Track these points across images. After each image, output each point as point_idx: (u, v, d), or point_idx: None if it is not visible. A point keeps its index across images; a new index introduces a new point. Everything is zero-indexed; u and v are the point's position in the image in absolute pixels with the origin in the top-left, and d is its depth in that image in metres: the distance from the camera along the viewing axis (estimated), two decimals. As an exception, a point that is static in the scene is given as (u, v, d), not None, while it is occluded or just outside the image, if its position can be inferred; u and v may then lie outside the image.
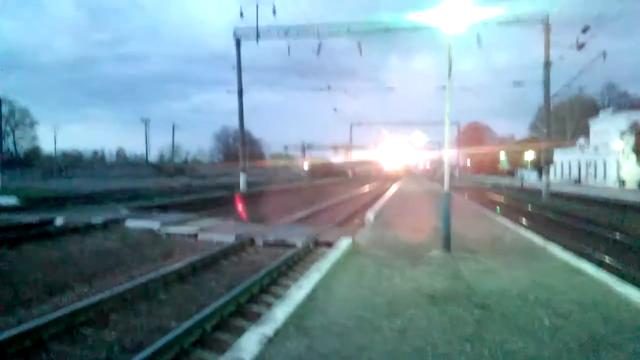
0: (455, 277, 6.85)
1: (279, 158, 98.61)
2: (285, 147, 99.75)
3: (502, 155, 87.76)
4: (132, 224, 13.66)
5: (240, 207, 21.54)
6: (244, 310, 6.53)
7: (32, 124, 77.38)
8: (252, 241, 11.75)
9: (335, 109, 44.56)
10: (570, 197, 32.17)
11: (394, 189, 35.60)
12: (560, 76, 30.05)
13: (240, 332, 5.27)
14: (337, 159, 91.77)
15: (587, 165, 57.37)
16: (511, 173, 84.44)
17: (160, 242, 12.04)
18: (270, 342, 4.23)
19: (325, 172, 79.16)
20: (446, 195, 9.23)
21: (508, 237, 10.99)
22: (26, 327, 5.25)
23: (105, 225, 13.15)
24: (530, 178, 62.92)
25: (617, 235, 14.26)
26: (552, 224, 18.09)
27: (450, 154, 9.80)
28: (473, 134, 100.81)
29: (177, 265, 8.57)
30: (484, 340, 4.36)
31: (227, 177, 55.28)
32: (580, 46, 25.81)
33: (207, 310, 5.82)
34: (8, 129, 73.16)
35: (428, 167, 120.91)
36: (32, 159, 76.27)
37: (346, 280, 6.67)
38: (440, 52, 9.04)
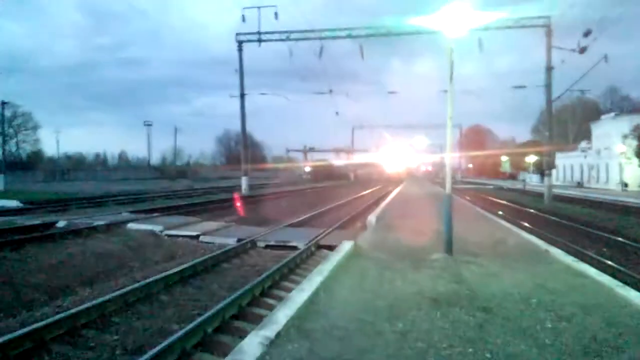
0: (457, 280, 6.83)
1: (281, 161, 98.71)
2: (287, 150, 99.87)
3: (504, 159, 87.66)
4: (134, 226, 13.68)
5: (241, 209, 21.56)
6: (245, 312, 6.52)
7: (35, 128, 77.57)
8: (253, 244, 11.76)
9: (337, 113, 44.52)
10: (572, 200, 32.10)
11: (395, 191, 35.58)
12: (562, 80, 30.03)
13: (241, 334, 5.28)
14: (339, 162, 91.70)
15: (590, 168, 57.33)
16: (513, 176, 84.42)
17: (162, 244, 12.06)
18: (271, 344, 4.22)
19: (327, 175, 79.13)
20: (448, 197, 9.22)
21: (510, 240, 10.96)
22: (28, 329, 5.25)
23: (107, 228, 13.17)
24: (532, 181, 62.85)
25: (620, 238, 14.22)
26: (555, 227, 18.05)
27: (452, 157, 9.79)
28: (475, 137, 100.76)
29: (178, 267, 8.58)
30: (486, 344, 4.35)
31: (229, 180, 55.34)
32: (582, 50, 25.78)
33: (208, 313, 5.82)
34: (11, 132, 73.31)
35: (430, 169, 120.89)
36: (34, 162, 76.53)
37: (348, 283, 6.67)
38: (442, 56, 9.06)
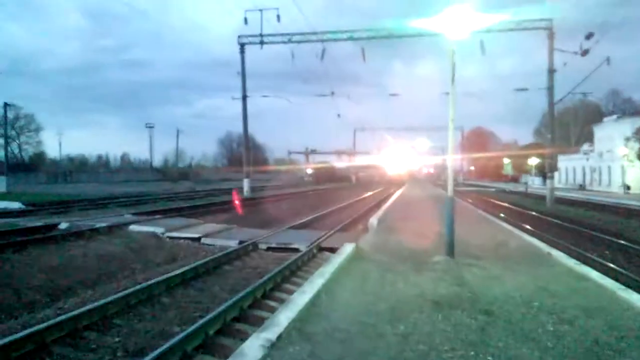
0: (459, 282, 6.82)
1: (283, 163, 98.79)
2: (289, 153, 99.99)
3: (506, 161, 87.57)
4: (136, 228, 13.70)
5: (242, 211, 21.59)
6: (247, 315, 6.52)
7: (37, 129, 77.81)
8: (255, 246, 11.76)
9: (339, 115, 44.60)
10: (574, 203, 32.04)
11: (397, 194, 35.56)
12: (565, 82, 30.03)
13: (243, 337, 5.28)
14: (341, 164, 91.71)
15: (592, 171, 57.22)
16: (515, 179, 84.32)
17: (164, 246, 12.07)
18: (272, 347, 4.22)
19: (328, 177, 79.14)
20: (450, 200, 9.21)
21: (512, 242, 10.94)
22: (30, 331, 5.26)
23: (109, 230, 13.19)
24: (534, 183, 62.75)
25: (622, 241, 14.18)
26: (557, 229, 18.02)
27: (453, 160, 9.78)
28: (477, 140, 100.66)
29: (180, 269, 8.58)
30: (488, 346, 4.34)
31: (231, 182, 55.38)
32: (584, 52, 25.78)
33: (210, 315, 5.82)
34: (13, 134, 73.55)
35: (432, 172, 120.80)
36: (37, 164, 76.74)
37: (349, 285, 6.66)
38: (443, 58, 9.04)
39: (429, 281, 6.92)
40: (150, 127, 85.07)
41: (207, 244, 12.49)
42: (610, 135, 50.97)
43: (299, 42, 31.03)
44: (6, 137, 59.26)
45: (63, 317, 5.77)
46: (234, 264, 10.04)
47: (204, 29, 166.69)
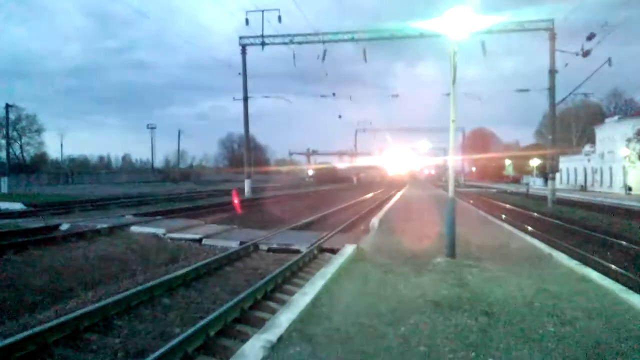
0: (460, 284, 6.82)
1: (284, 164, 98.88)
2: (290, 153, 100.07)
3: (507, 162, 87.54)
4: (137, 229, 13.71)
5: (244, 212, 21.59)
6: (248, 316, 6.52)
7: (39, 130, 77.86)
8: (256, 247, 11.76)
9: (340, 116, 44.77)
10: (576, 204, 32.00)
11: (398, 195, 35.55)
12: (566, 83, 30.01)
13: (244, 338, 5.28)
14: (342, 165, 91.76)
15: (593, 172, 57.16)
16: (516, 179, 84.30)
17: (165, 247, 12.07)
18: (273, 348, 4.22)
19: (330, 178, 79.15)
20: (451, 201, 9.20)
21: (513, 243, 10.93)
22: (31, 332, 5.27)
23: (110, 231, 13.20)
24: (535, 184, 62.70)
25: (624, 242, 14.15)
26: (558, 230, 17.99)
27: (455, 160, 9.78)
28: (478, 141, 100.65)
29: (181, 271, 8.58)
30: (489, 348, 4.33)
31: (232, 183, 55.40)
32: (586, 53, 25.76)
33: (211, 316, 5.82)
34: (15, 134, 73.63)
35: (433, 173, 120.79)
36: (38, 165, 76.80)
37: (350, 286, 6.66)
38: (445, 59, 9.05)
39: (430, 282, 6.92)
40: (151, 128, 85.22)
41: (208, 245, 12.49)
42: (612, 136, 50.94)
43: (300, 43, 31.05)
44: (8, 138, 59.28)
45: (64, 318, 5.77)
46: (234, 265, 10.04)
47: (207, 30, 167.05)
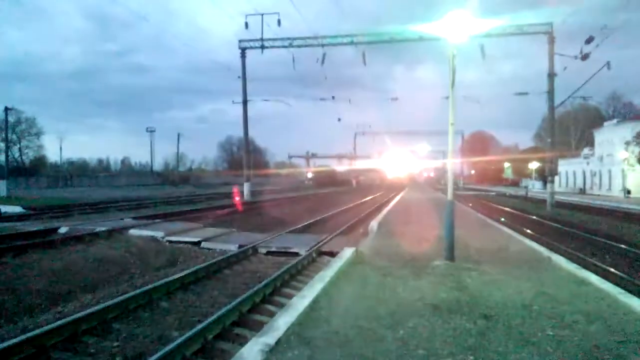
0: (458, 287, 6.81)
1: (283, 167, 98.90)
2: (289, 156, 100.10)
3: (507, 165, 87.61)
4: (136, 232, 13.69)
5: (242, 208, 21.59)
6: (246, 319, 6.51)
7: (38, 134, 77.88)
8: (255, 250, 11.75)
9: (339, 119, 44.79)
10: (574, 207, 32.01)
11: (397, 198, 35.55)
12: (565, 86, 30.06)
13: (242, 341, 5.27)
14: (341, 168, 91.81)
15: (592, 175, 57.21)
16: (515, 182, 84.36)
17: (164, 250, 12.05)
18: (271, 351, 4.21)
19: (329, 180, 79.16)
20: (450, 204, 9.20)
21: (512, 247, 10.93)
22: (29, 335, 5.25)
23: (109, 234, 13.18)
24: (534, 188, 62.73)
25: (623, 245, 14.15)
26: (557, 234, 17.99)
27: (453, 163, 9.79)
28: (477, 144, 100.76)
29: (179, 274, 8.57)
30: (487, 351, 4.32)
31: (231, 186, 55.41)
32: (584, 57, 25.81)
33: (209, 319, 5.81)
34: (14, 138, 73.61)
35: (432, 175, 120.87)
36: (37, 168, 76.79)
37: (349, 289, 6.65)
38: (444, 63, 9.07)
39: (428, 285, 6.91)
40: (151, 131, 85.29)
41: (207, 248, 12.48)
42: (611, 139, 51.01)
43: (299, 46, 31.10)
44: (7, 141, 59.31)
45: (62, 321, 5.76)
46: (233, 268, 10.03)
47: (206, 33, 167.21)
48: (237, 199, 23.12)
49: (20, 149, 77.26)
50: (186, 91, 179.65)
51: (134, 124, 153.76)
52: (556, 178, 30.08)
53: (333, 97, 35.65)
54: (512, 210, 29.34)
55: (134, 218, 17.97)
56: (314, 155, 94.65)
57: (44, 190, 48.59)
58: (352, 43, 30.69)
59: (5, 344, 4.95)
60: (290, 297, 7.10)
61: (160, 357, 4.64)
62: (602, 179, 54.16)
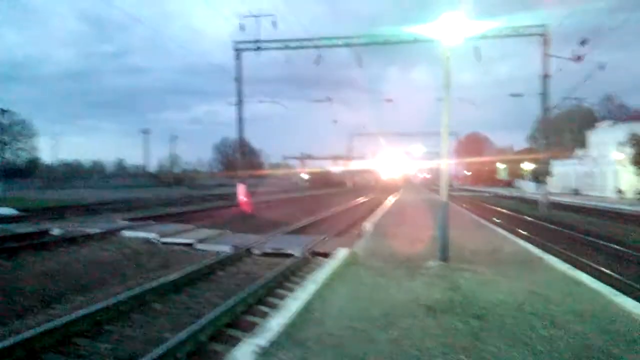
0: (452, 287, 6.81)
1: (279, 168, 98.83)
2: (284, 157, 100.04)
3: (501, 166, 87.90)
4: (129, 234, 13.64)
5: (237, 216, 21.51)
6: (240, 320, 6.49)
7: (32, 135, 77.47)
8: (249, 251, 11.72)
9: (335, 121, 44.84)
10: (568, 208, 32.16)
11: (392, 198, 35.59)
12: (559, 88, 30.28)
13: (235, 342, 5.25)
14: (337, 169, 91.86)
15: (586, 175, 57.48)
16: (510, 183, 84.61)
17: (157, 252, 12.01)
18: (264, 353, 4.20)
19: (324, 181, 79.19)
20: (444, 205, 9.22)
21: (506, 247, 10.95)
22: (20, 338, 5.21)
23: (102, 236, 13.12)
24: (529, 188, 62.97)
25: (615, 245, 14.22)
26: (550, 234, 18.06)
27: (448, 165, 9.80)
28: (472, 145, 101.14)
29: (173, 275, 8.54)
30: (480, 351, 4.33)
31: (226, 187, 55.28)
32: (578, 58, 25.95)
33: (202, 321, 5.79)
34: (8, 139, 73.13)
35: (427, 177, 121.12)
36: (31, 170, 76.32)
37: (343, 290, 6.64)
38: (439, 64, 9.09)
39: (422, 286, 6.92)
40: (145, 132, 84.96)
41: (201, 250, 12.44)
42: (604, 140, 51.29)
43: (295, 48, 31.07)
44: (1, 143, 58.94)
45: (53, 323, 5.73)
46: (227, 270, 10.00)
47: (202, 35, 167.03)
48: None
49: (14, 151, 76.78)
50: (181, 92, 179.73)
51: (129, 126, 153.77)
52: (550, 179, 30.14)
53: (328, 99, 35.68)
54: (506, 211, 29.45)
55: (128, 219, 17.89)
56: (309, 157, 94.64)
57: (38, 192, 48.28)
58: (347, 45, 30.70)
59: (-4, 347, 4.91)
60: (284, 298, 7.08)
61: (152, 359, 4.62)
62: (595, 179, 54.43)
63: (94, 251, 11.31)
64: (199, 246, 12.66)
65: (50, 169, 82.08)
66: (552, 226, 20.19)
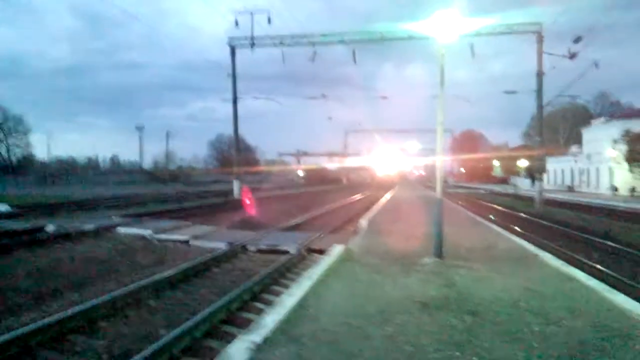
0: (447, 284, 6.85)
1: (274, 165, 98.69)
2: (280, 154, 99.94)
3: (496, 163, 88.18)
4: (124, 230, 13.59)
5: (232, 213, 21.42)
6: (235, 317, 6.49)
7: (26, 132, 76.91)
8: (244, 248, 11.71)
9: (330, 118, 44.86)
10: (563, 204, 32.32)
11: (387, 195, 35.64)
12: (554, 84, 30.32)
13: (230, 339, 5.24)
14: (332, 165, 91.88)
15: (580, 172, 57.77)
16: (505, 180, 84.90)
17: (152, 249, 11.98)
18: (259, 349, 4.20)
19: (320, 178, 79.19)
20: (439, 202, 9.25)
21: (500, 244, 11.01)
22: (14, 334, 5.19)
23: (96, 232, 13.07)
24: (523, 185, 63.20)
25: (609, 242, 14.30)
26: (545, 231, 18.14)
27: (443, 162, 9.83)
28: (467, 142, 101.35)
29: (168, 272, 8.52)
30: (474, 347, 4.35)
31: (221, 184, 55.20)
32: (573, 56, 26.03)
33: (197, 317, 5.79)
34: (2, 135, 72.67)
35: (423, 173, 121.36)
36: (25, 166, 75.80)
37: (338, 287, 6.65)
38: (434, 61, 9.11)
39: (417, 282, 6.94)
40: (140, 128, 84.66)
41: (196, 246, 12.41)
42: (599, 137, 51.50)
43: (290, 45, 30.99)
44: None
45: (48, 320, 5.70)
46: (222, 267, 9.99)
47: (197, 31, 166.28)
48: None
49: (8, 147, 76.26)
50: (177, 89, 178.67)
51: (124, 122, 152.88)
52: (545, 176, 30.30)
53: (324, 95, 35.66)
54: (501, 208, 29.54)
55: (122, 216, 17.83)
56: (304, 154, 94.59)
57: (32, 189, 47.99)
58: (342, 42, 30.64)
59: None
60: (279, 295, 7.09)
61: (147, 355, 4.62)
62: (590, 176, 54.72)
63: (89, 248, 11.27)
64: (194, 242, 12.64)
65: (44, 165, 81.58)
66: (547, 223, 20.28)
